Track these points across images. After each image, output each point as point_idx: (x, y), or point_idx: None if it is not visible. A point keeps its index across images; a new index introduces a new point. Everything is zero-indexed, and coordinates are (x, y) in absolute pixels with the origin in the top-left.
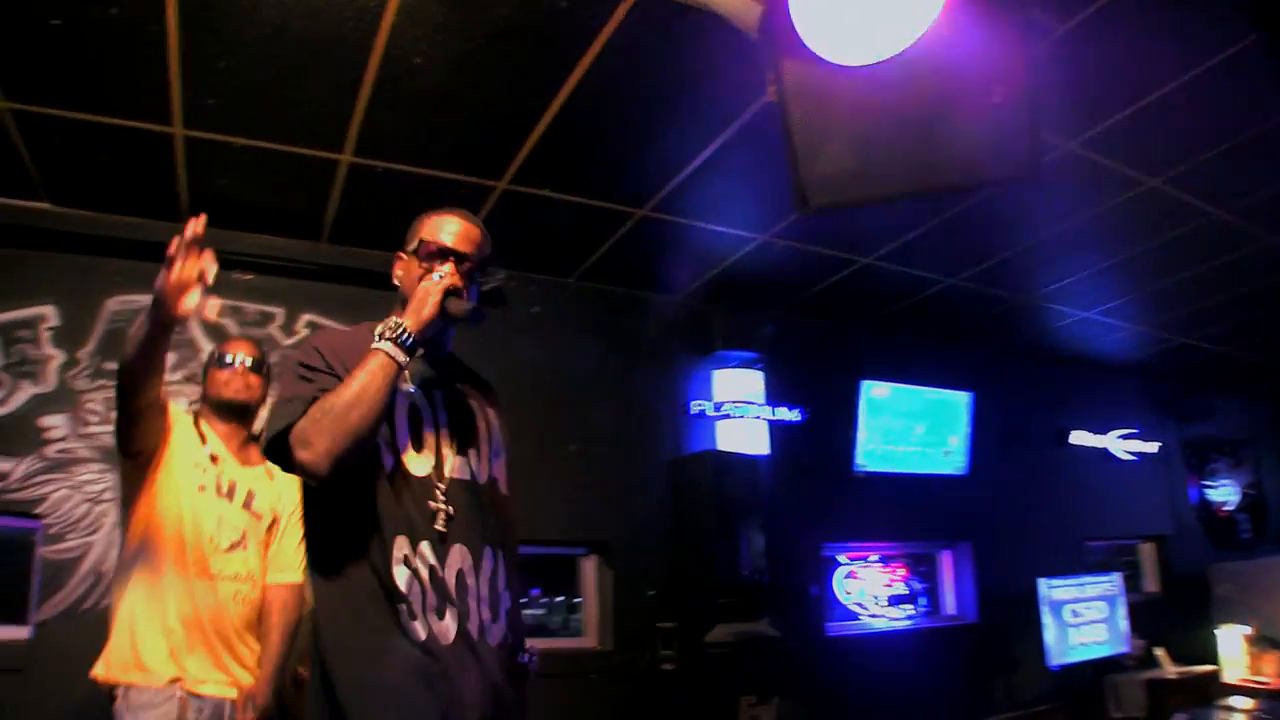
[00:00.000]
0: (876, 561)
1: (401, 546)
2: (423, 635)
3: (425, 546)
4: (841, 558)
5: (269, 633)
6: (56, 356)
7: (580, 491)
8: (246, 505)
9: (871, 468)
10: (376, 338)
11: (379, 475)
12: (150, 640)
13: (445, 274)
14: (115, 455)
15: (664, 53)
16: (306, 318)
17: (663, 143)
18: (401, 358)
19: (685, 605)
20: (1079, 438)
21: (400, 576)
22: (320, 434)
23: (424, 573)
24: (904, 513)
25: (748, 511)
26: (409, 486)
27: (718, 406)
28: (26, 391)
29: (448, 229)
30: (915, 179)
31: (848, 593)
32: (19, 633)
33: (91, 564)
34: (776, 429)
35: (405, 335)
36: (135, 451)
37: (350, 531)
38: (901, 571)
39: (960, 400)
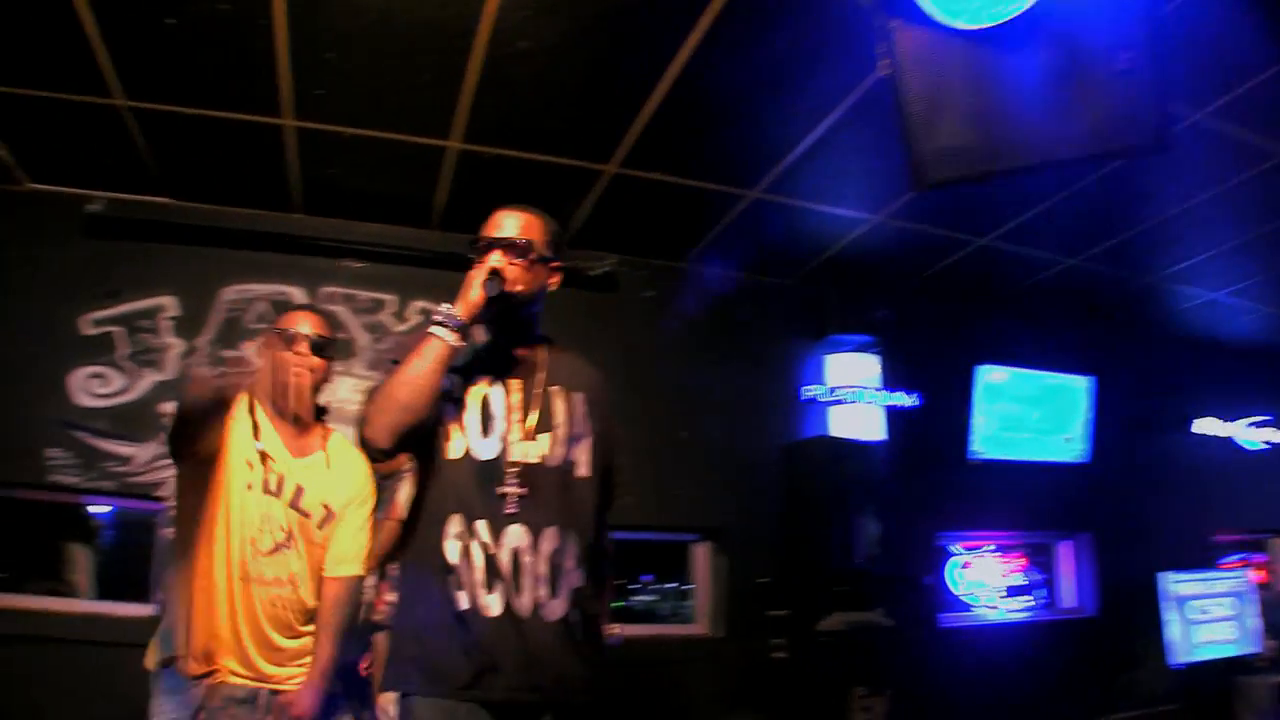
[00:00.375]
0: (992, 551)
1: (456, 524)
2: (465, 606)
3: (480, 525)
4: (955, 547)
5: (318, 633)
6: (176, 345)
7: (692, 478)
8: (294, 504)
9: (988, 455)
10: (430, 324)
11: (444, 458)
12: (194, 637)
13: (489, 262)
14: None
15: (772, 28)
16: (419, 304)
17: (773, 122)
18: (450, 338)
19: (797, 593)
20: (1205, 425)
21: (451, 551)
22: (377, 411)
23: (476, 549)
24: (1021, 501)
25: (861, 498)
26: (472, 469)
27: (831, 391)
28: (149, 379)
29: (494, 224)
30: (1037, 152)
31: (962, 583)
32: (143, 610)
33: None
34: (891, 414)
35: (451, 318)
36: (190, 455)
37: (423, 508)
38: (1019, 562)
39: (1080, 385)
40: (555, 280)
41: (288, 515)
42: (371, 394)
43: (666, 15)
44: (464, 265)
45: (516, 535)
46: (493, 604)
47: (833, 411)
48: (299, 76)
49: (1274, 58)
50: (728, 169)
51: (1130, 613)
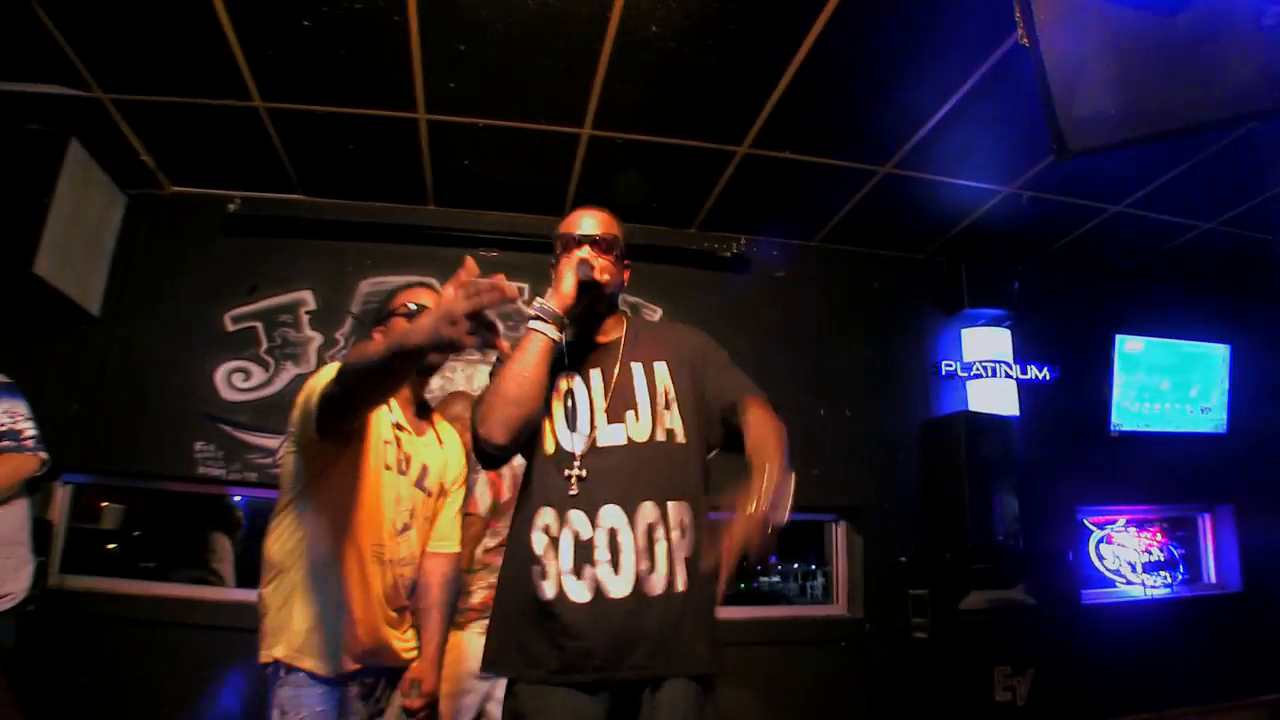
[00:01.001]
0: (1132, 526)
1: (543, 516)
2: (549, 595)
3: (569, 514)
4: (1094, 522)
5: (430, 610)
6: (315, 338)
7: (829, 457)
8: (419, 482)
9: (1126, 426)
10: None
11: (537, 453)
12: (319, 625)
13: (578, 255)
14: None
15: (901, 2)
16: None
17: (903, 96)
18: (550, 331)
19: (937, 572)
20: None
21: (537, 543)
22: (490, 409)
23: (566, 538)
24: (1160, 474)
25: (1000, 474)
26: (560, 461)
27: (967, 366)
28: (289, 372)
29: (575, 222)
30: (1181, 115)
31: (1103, 558)
32: None
33: None
34: (1027, 388)
35: (548, 311)
36: (334, 432)
37: (521, 503)
38: (1159, 537)
39: (1218, 353)
40: (627, 276)
41: (413, 495)
42: (478, 400)
43: None
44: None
45: (611, 518)
46: (580, 590)
47: (970, 386)
48: (431, 70)
49: None
50: (858, 145)
51: (1277, 588)
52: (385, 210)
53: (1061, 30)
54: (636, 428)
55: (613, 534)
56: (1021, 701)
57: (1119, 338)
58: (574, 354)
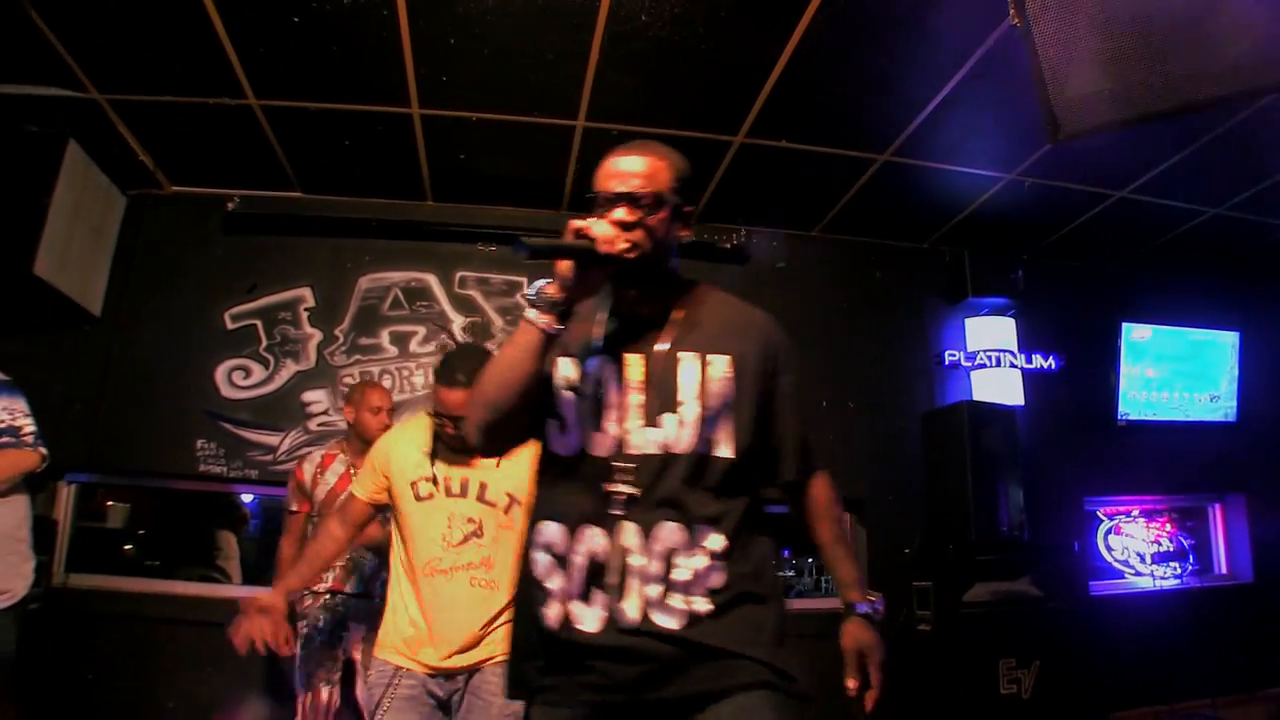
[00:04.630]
0: (1141, 516)
1: (546, 532)
2: (554, 624)
3: (585, 531)
4: (1102, 513)
5: None
6: (315, 335)
7: (832, 448)
8: (480, 498)
9: (1134, 416)
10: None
11: (553, 456)
12: (398, 627)
13: (589, 223)
14: None
15: None
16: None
17: (899, 82)
18: (539, 320)
19: (941, 563)
20: None
21: (539, 563)
22: (473, 408)
23: (574, 558)
24: (1169, 464)
25: (1005, 465)
26: (581, 467)
27: (970, 356)
28: (289, 369)
29: (609, 171)
30: (1179, 94)
31: (1111, 549)
32: None
33: None
34: (1032, 378)
35: (541, 296)
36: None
37: (532, 512)
38: (1168, 527)
39: (1227, 341)
40: (687, 232)
41: (476, 509)
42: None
43: None
44: None
45: (629, 537)
46: (592, 617)
47: (975, 376)
48: (422, 64)
49: None
50: (855, 133)
51: None
52: (383, 206)
53: (1053, 10)
54: (678, 435)
55: (624, 555)
56: (1027, 694)
57: (1125, 326)
58: (613, 334)
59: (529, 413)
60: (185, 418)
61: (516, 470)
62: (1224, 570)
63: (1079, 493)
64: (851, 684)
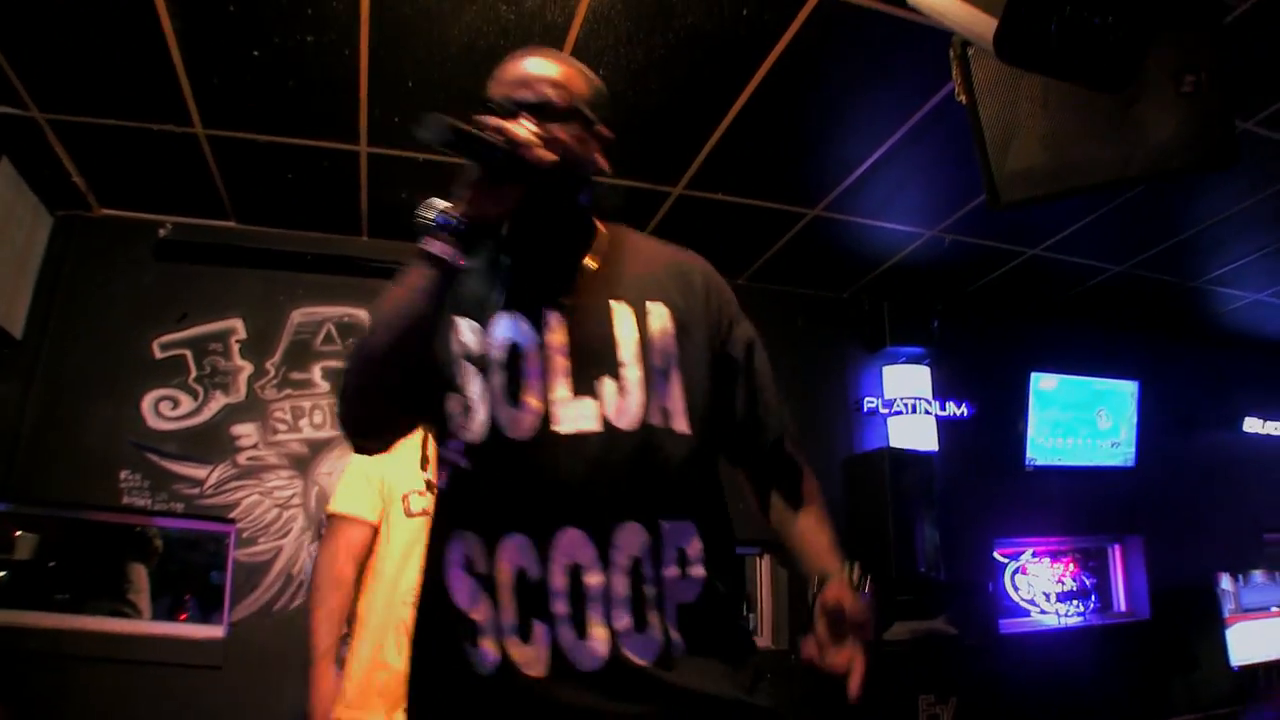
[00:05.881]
0: (1045, 557)
1: (470, 545)
2: (490, 667)
3: (511, 543)
4: (1010, 554)
5: None
6: (245, 367)
7: None
8: None
9: (1040, 461)
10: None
11: (444, 452)
12: (374, 679)
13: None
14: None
15: (840, 54)
16: None
17: (836, 143)
18: (440, 252)
19: None
20: (1253, 425)
21: (461, 588)
22: (346, 383)
23: (503, 579)
24: (1073, 507)
25: (921, 508)
26: (495, 457)
27: (888, 403)
28: (219, 401)
29: (512, 74)
30: (1106, 171)
31: (1018, 589)
32: (215, 632)
33: (282, 566)
34: (945, 424)
35: (443, 218)
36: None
37: (434, 525)
38: (1071, 567)
39: (1127, 390)
40: (606, 163)
41: None
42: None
43: (741, 43)
44: None
45: (569, 546)
46: (535, 656)
47: (892, 423)
48: (377, 104)
49: None
50: (790, 188)
51: (1185, 615)
52: (319, 240)
53: (997, 89)
54: (619, 406)
55: (575, 573)
56: None
57: (1034, 375)
58: (520, 285)
59: (420, 386)
60: (109, 447)
61: None
62: (1124, 608)
63: (990, 534)
64: (813, 648)
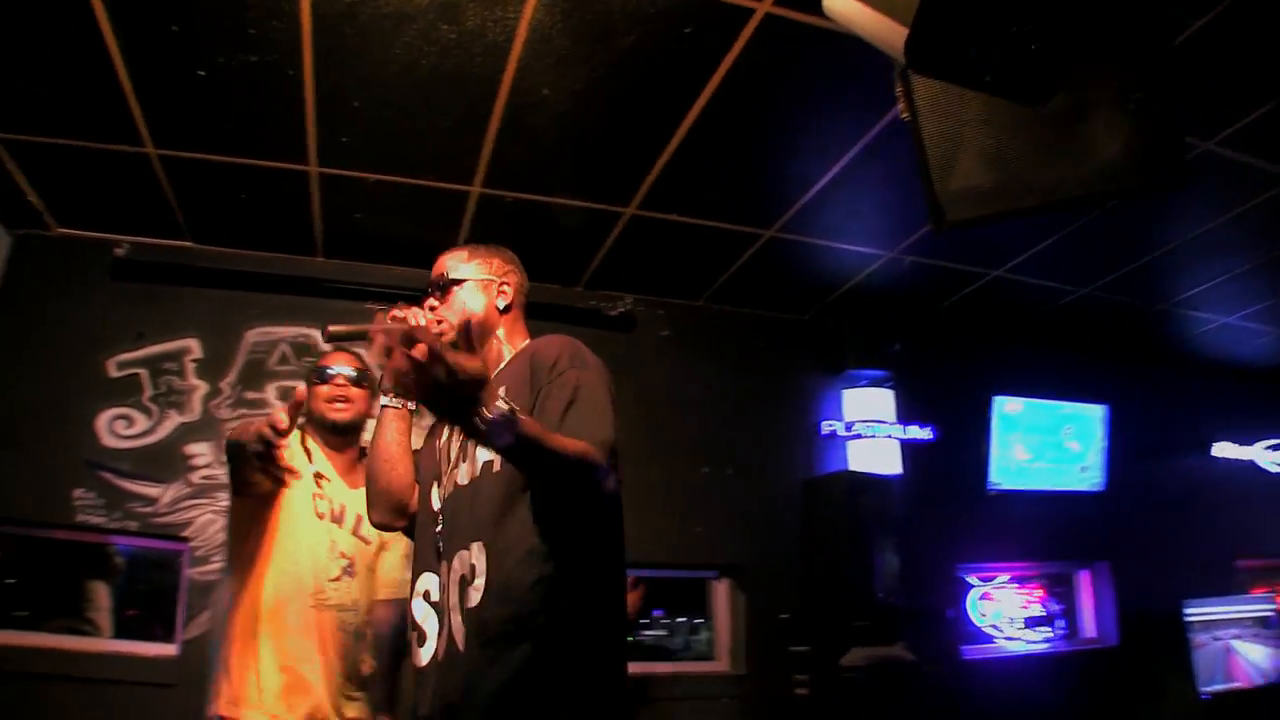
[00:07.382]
0: (1011, 582)
1: (419, 581)
2: (421, 662)
3: (425, 576)
4: (974, 579)
5: (380, 655)
6: (200, 387)
7: (712, 514)
8: (355, 531)
9: (1005, 485)
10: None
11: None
12: (268, 678)
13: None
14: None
15: (787, 74)
16: None
17: (789, 163)
18: (394, 403)
19: (819, 629)
20: (1223, 449)
21: (417, 610)
22: (369, 495)
23: (420, 601)
24: (1039, 532)
25: (882, 533)
26: (423, 519)
27: (849, 426)
28: (173, 420)
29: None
30: (1052, 190)
31: (982, 615)
32: (168, 650)
33: None
34: (908, 448)
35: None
36: (251, 489)
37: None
38: (1038, 593)
39: (1094, 414)
40: (507, 297)
41: (350, 543)
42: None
43: (685, 62)
44: None
45: (450, 570)
46: (424, 654)
47: (851, 446)
48: (324, 124)
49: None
50: (744, 209)
51: (1153, 642)
52: (274, 260)
53: (940, 107)
54: (466, 468)
55: (444, 592)
56: None
57: (998, 399)
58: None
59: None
60: (63, 465)
61: None
62: (1092, 634)
63: (952, 559)
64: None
